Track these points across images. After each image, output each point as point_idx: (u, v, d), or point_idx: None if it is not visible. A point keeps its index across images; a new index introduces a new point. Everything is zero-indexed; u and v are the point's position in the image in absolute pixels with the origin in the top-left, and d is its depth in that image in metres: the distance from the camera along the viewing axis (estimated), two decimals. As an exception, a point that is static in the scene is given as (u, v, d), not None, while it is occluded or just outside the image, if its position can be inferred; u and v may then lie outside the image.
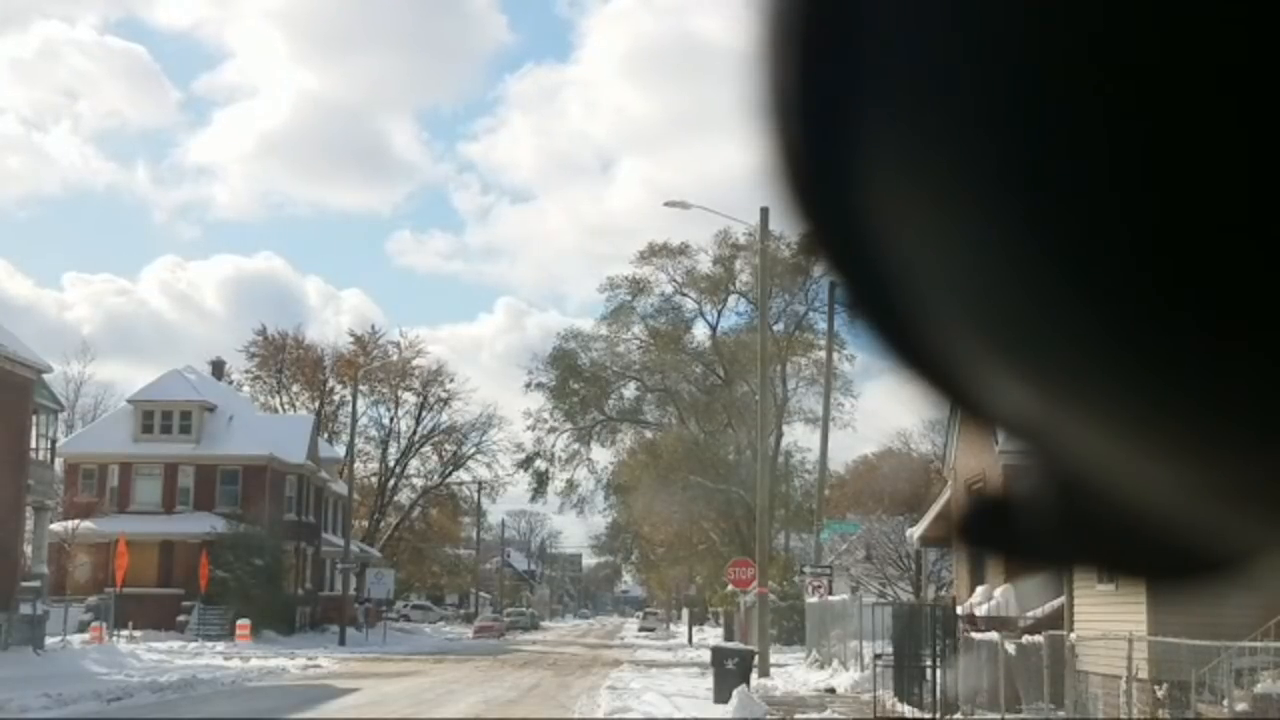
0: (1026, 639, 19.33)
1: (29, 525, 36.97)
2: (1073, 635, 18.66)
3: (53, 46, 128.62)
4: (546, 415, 64.60)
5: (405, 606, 79.58)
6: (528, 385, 64.16)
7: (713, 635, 57.37)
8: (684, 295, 62.43)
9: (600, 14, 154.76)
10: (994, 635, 19.82)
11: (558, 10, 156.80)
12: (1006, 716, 18.82)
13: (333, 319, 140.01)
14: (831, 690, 27.68)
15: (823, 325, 51.01)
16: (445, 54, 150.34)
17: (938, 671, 20.76)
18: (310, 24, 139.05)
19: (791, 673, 33.14)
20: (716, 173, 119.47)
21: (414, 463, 77.66)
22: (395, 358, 74.07)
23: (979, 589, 21.93)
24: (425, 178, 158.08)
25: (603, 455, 66.20)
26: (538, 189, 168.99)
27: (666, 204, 39.19)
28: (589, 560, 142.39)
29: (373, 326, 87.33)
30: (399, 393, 75.23)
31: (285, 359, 73.96)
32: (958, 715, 20.10)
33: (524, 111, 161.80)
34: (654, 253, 61.24)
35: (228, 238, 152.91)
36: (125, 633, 41.15)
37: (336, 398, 74.03)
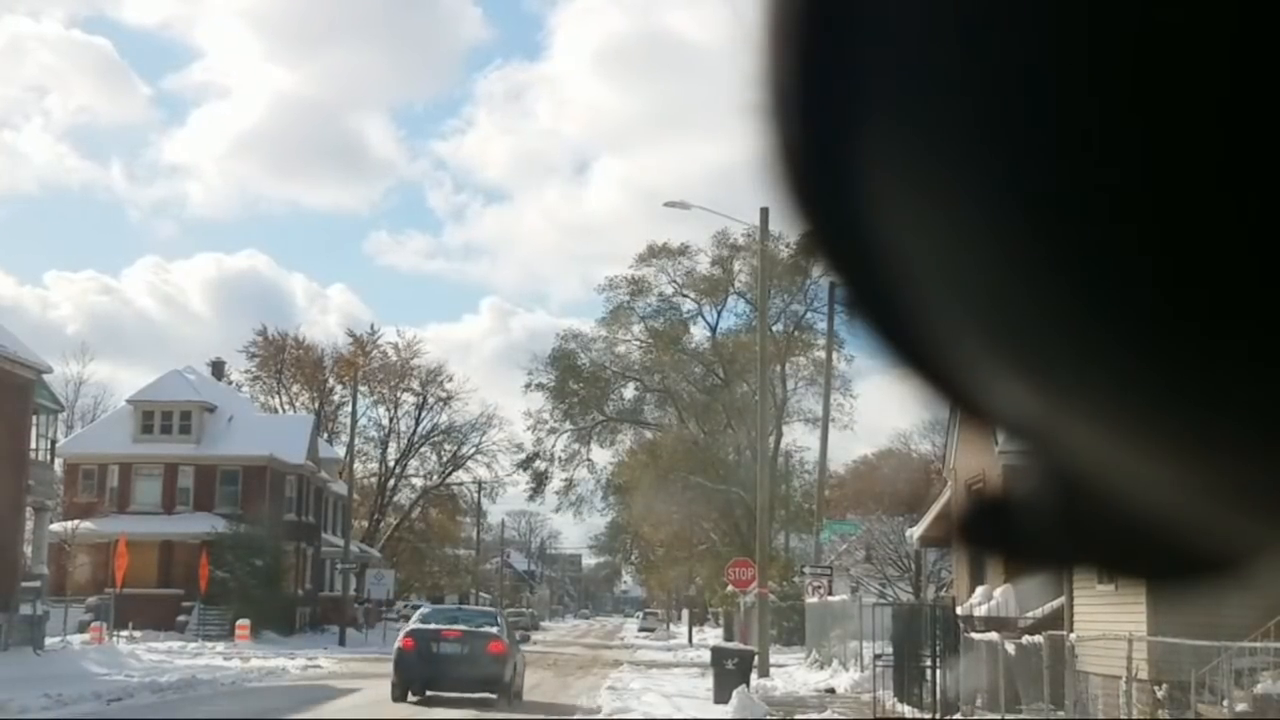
0: (1026, 639, 19.32)
1: (29, 525, 36.96)
2: (1073, 635, 18.65)
3: (18, 42, 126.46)
4: (546, 415, 64.66)
5: (405, 607, 79.33)
6: (527, 386, 64.17)
7: (713, 636, 57.37)
8: (683, 296, 62.46)
9: (570, 9, 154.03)
10: (994, 635, 19.80)
11: (531, 6, 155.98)
12: (1006, 717, 18.81)
13: (320, 318, 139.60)
14: (831, 691, 27.68)
15: (822, 325, 51.00)
16: (419, 49, 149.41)
17: (938, 672, 20.76)
18: (280, 20, 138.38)
19: (791, 673, 33.14)
20: (696, 170, 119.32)
21: (413, 463, 77.69)
22: (394, 358, 74.19)
23: (979, 589, 21.91)
24: (402, 175, 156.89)
25: (602, 455, 66.26)
26: (514, 188, 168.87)
27: (666, 204, 38.76)
28: (589, 560, 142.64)
29: (372, 326, 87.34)
30: (398, 393, 75.29)
31: (285, 359, 73.96)
32: (958, 716, 20.10)
33: (496, 109, 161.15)
34: (653, 254, 61.25)
35: (205, 235, 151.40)
36: (125, 633, 41.07)
37: (336, 398, 74.07)
